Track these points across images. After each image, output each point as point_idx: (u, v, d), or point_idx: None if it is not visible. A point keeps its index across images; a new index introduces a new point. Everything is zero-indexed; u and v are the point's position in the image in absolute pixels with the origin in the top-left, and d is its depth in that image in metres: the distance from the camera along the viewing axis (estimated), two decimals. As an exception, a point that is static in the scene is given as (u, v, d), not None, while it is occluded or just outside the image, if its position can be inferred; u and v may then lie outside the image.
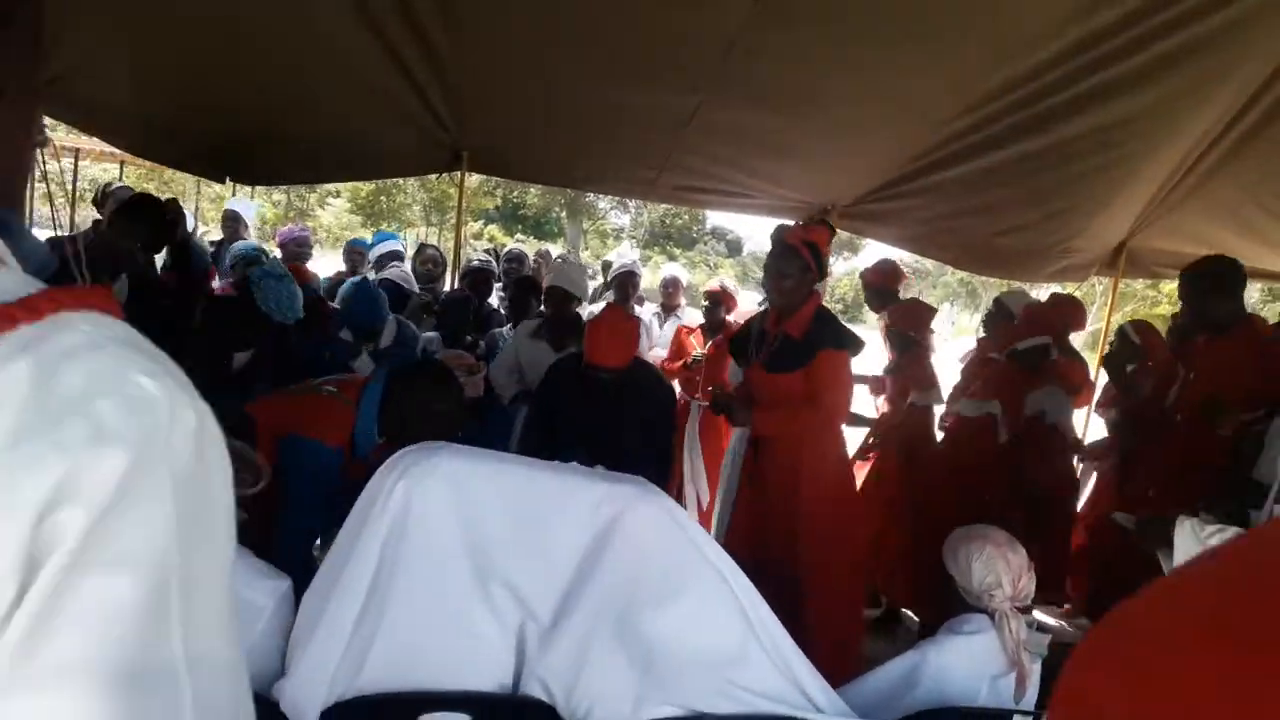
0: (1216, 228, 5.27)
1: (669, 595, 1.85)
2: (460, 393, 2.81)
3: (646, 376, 3.61)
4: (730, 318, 5.24)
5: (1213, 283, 3.60)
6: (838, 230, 5.62)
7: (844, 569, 3.25)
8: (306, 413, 2.69)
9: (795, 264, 3.28)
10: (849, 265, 29.17)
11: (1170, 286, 20.13)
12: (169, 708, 0.54)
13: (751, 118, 4.39)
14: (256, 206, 11.26)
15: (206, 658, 0.56)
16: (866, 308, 5.42)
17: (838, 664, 2.34)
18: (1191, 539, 1.99)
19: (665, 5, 3.46)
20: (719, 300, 5.32)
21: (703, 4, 3.41)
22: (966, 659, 2.04)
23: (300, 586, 1.86)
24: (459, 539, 1.80)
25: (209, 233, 9.22)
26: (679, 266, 6.90)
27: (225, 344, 3.57)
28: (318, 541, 2.99)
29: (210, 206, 16.32)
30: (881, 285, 5.27)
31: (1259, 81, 4.16)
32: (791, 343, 3.31)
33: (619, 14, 3.53)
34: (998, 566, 2.10)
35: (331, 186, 22.61)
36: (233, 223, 6.55)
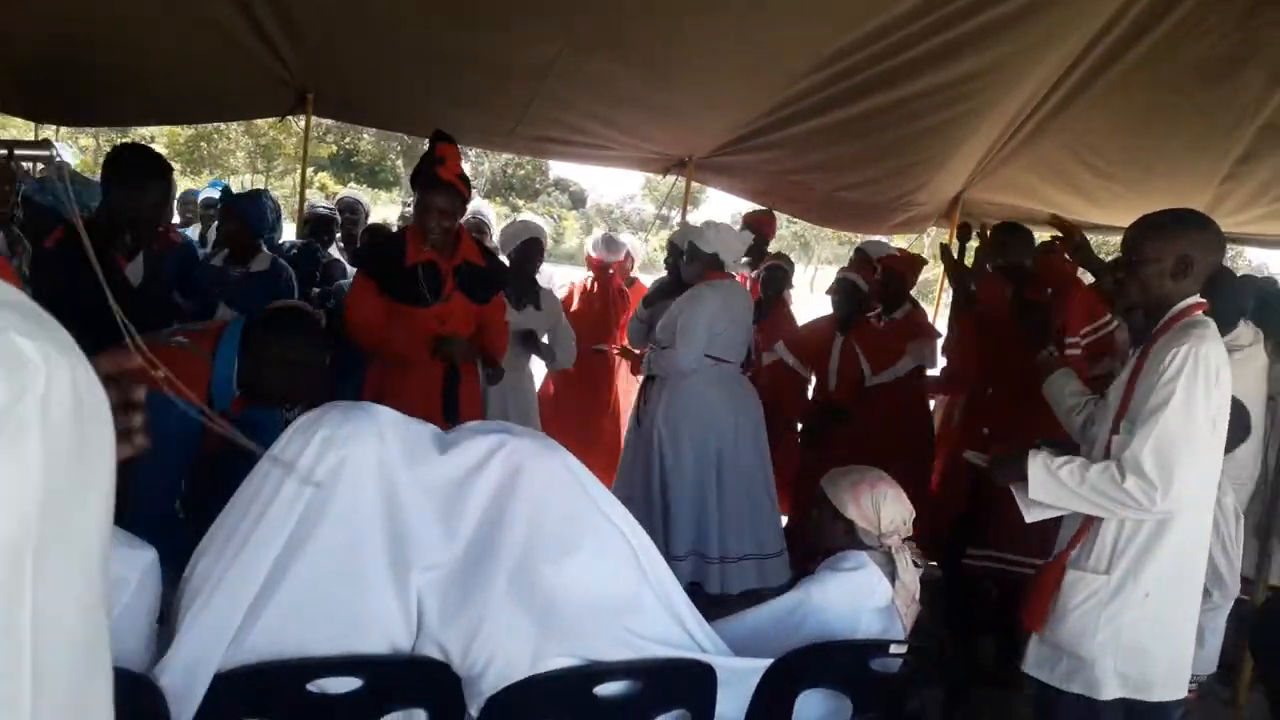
0: (1043, 182, 5.67)
1: (566, 548, 1.85)
2: (322, 340, 2.66)
3: None
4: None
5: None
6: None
7: None
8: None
9: (459, 200, 3.26)
10: (690, 217, 29.54)
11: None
12: (6, 669, 0.53)
13: (611, 71, 4.36)
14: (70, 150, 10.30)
15: (60, 624, 0.56)
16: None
17: None
18: (1044, 471, 2.17)
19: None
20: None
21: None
22: (848, 595, 2.15)
23: (163, 557, 1.75)
24: (377, 502, 1.74)
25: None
26: (537, 218, 6.80)
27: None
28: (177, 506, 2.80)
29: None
30: (762, 235, 5.32)
31: (1077, 52, 4.50)
32: (479, 271, 3.37)
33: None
34: (901, 506, 2.23)
35: (146, 131, 20.89)
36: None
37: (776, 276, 4.95)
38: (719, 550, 3.85)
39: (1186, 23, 4.29)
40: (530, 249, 4.42)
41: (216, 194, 5.61)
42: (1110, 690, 2.20)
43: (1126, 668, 2.20)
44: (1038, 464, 2.19)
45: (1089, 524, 2.23)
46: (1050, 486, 2.17)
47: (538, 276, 5.55)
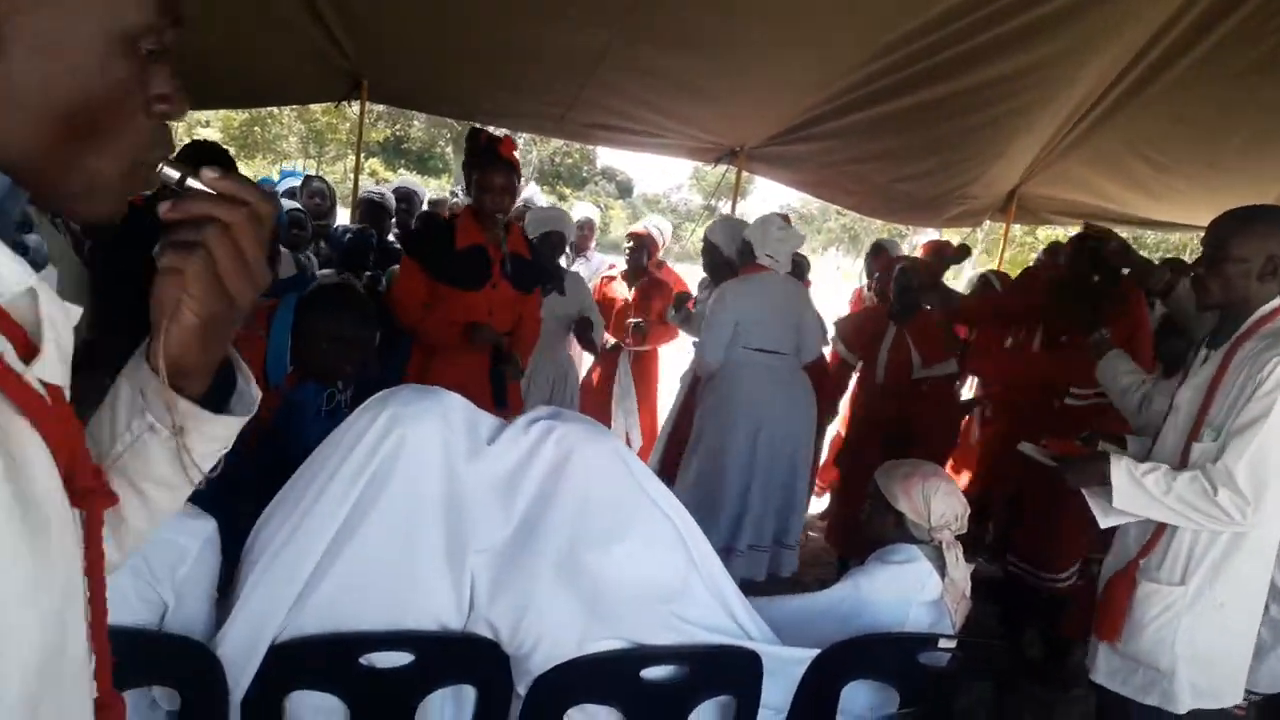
0: (1101, 177, 5.55)
1: (615, 533, 1.86)
2: (371, 317, 2.69)
3: None
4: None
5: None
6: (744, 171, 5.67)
7: None
8: None
9: (517, 178, 3.28)
10: (739, 209, 29.38)
11: (1046, 232, 21.08)
12: None
13: (664, 59, 4.34)
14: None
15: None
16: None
17: None
18: (1128, 479, 2.10)
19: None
20: (643, 244, 5.12)
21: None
22: (898, 587, 2.14)
23: (220, 527, 1.78)
24: (438, 484, 1.76)
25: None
26: (592, 207, 6.79)
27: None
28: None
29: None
30: None
31: (1140, 45, 4.38)
32: (524, 262, 3.43)
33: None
34: (954, 501, 2.20)
35: (200, 115, 21.21)
36: None
37: (798, 267, 4.92)
38: (748, 540, 3.83)
39: (1250, 22, 4.15)
40: (551, 240, 4.43)
41: (298, 184, 5.54)
42: (1185, 702, 2.16)
43: (1198, 678, 2.16)
44: (1121, 470, 2.11)
45: (1161, 533, 2.18)
46: (1135, 495, 2.10)
47: (584, 263, 5.56)
